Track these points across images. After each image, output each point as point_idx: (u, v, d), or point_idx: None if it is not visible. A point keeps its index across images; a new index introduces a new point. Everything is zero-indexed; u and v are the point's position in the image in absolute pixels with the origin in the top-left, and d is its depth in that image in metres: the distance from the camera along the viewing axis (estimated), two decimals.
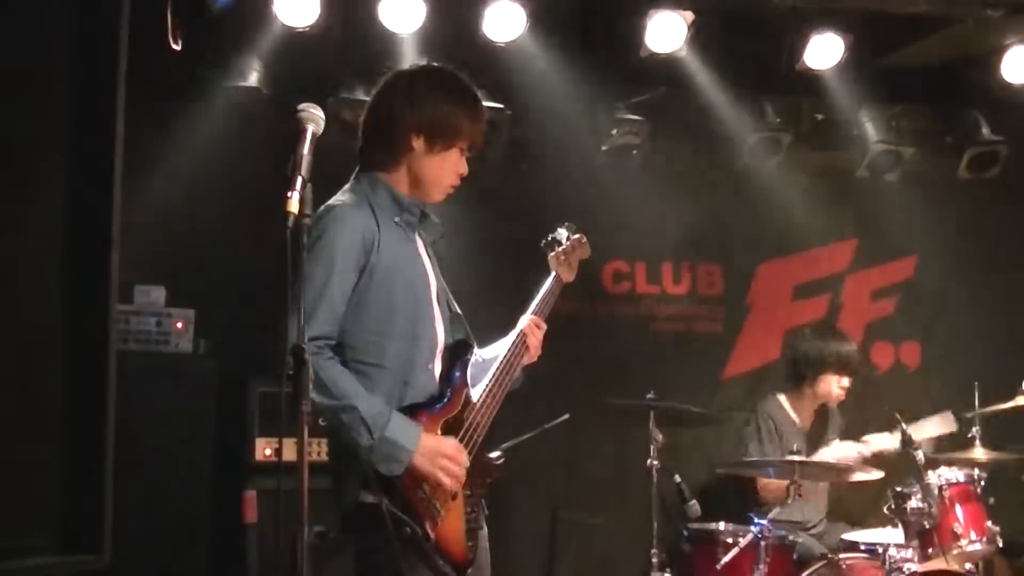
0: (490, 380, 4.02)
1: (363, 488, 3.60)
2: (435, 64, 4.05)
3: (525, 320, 4.28)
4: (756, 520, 5.80)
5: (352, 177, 3.93)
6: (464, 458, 3.74)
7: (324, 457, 3.86)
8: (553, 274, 4.50)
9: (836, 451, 6.54)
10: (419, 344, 3.82)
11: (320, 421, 3.57)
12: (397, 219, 3.83)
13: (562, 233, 4.63)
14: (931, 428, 6.39)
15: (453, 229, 6.96)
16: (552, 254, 4.55)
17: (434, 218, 4.02)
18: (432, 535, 3.62)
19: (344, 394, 3.54)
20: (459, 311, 4.09)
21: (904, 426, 5.78)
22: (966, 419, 6.39)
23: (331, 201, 3.79)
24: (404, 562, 3.59)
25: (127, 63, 2.27)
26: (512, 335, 4.23)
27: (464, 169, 3.98)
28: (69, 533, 2.18)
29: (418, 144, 3.83)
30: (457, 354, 3.96)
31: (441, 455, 3.66)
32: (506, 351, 4.14)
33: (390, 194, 3.85)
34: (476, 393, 3.95)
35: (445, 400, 3.83)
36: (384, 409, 3.60)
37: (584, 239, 4.67)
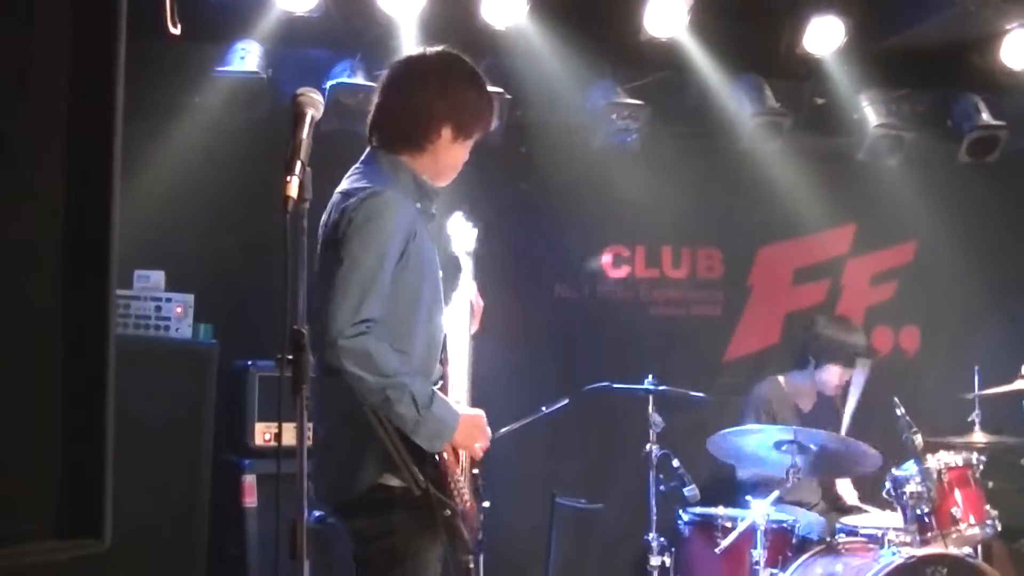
0: (459, 363, 4.11)
1: (385, 471, 3.63)
2: (452, 51, 4.03)
3: (472, 291, 4.31)
4: (754, 504, 5.82)
5: (371, 157, 3.93)
6: (488, 428, 3.92)
7: None
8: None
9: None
10: (436, 329, 3.89)
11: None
12: (418, 205, 3.86)
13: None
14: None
15: (451, 212, 7.01)
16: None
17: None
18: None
19: (395, 371, 3.57)
20: None
21: (902, 411, 5.78)
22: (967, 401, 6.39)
23: (366, 184, 3.78)
24: (422, 542, 3.69)
25: (125, 47, 2.26)
26: (459, 308, 4.25)
27: (467, 156, 4.05)
28: (69, 518, 2.18)
29: (445, 133, 3.87)
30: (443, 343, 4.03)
31: (475, 427, 3.85)
32: (467, 332, 4.22)
33: (414, 180, 3.88)
34: (455, 376, 4.05)
35: (441, 384, 3.88)
36: (428, 387, 3.67)
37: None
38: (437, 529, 3.67)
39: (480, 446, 3.88)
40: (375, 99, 3.99)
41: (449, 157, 3.93)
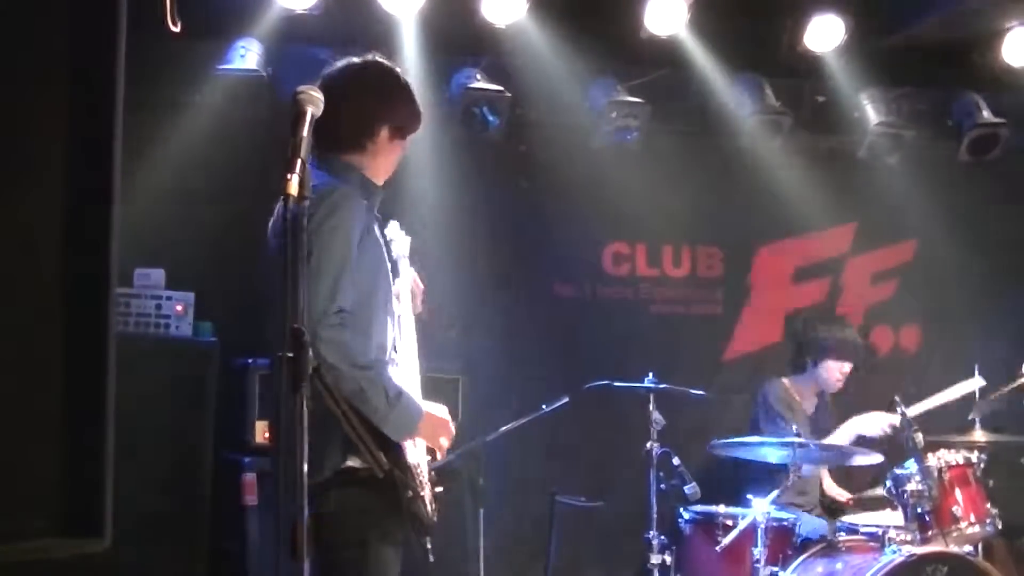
0: (410, 350, 4.26)
1: (349, 454, 3.73)
2: (379, 58, 4.28)
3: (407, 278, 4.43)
4: (755, 503, 5.82)
5: (317, 162, 4.00)
6: (452, 424, 4.06)
7: None
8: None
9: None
10: (391, 325, 4.04)
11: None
12: (365, 202, 4.01)
13: None
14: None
15: (452, 210, 7.02)
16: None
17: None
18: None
19: (370, 363, 3.75)
20: None
21: (903, 410, 5.79)
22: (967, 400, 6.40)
23: (317, 183, 3.86)
24: (389, 524, 3.81)
25: (126, 45, 2.26)
26: (406, 306, 4.39)
27: (402, 155, 4.29)
28: (69, 516, 2.18)
29: (384, 133, 4.11)
30: None
31: (439, 423, 4.00)
32: (412, 329, 4.35)
33: (361, 180, 4.07)
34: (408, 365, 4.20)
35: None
36: (396, 381, 3.82)
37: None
38: (401, 511, 3.78)
39: (445, 442, 4.04)
40: None
41: (387, 156, 4.17)
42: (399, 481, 3.73)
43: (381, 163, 4.16)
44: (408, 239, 4.51)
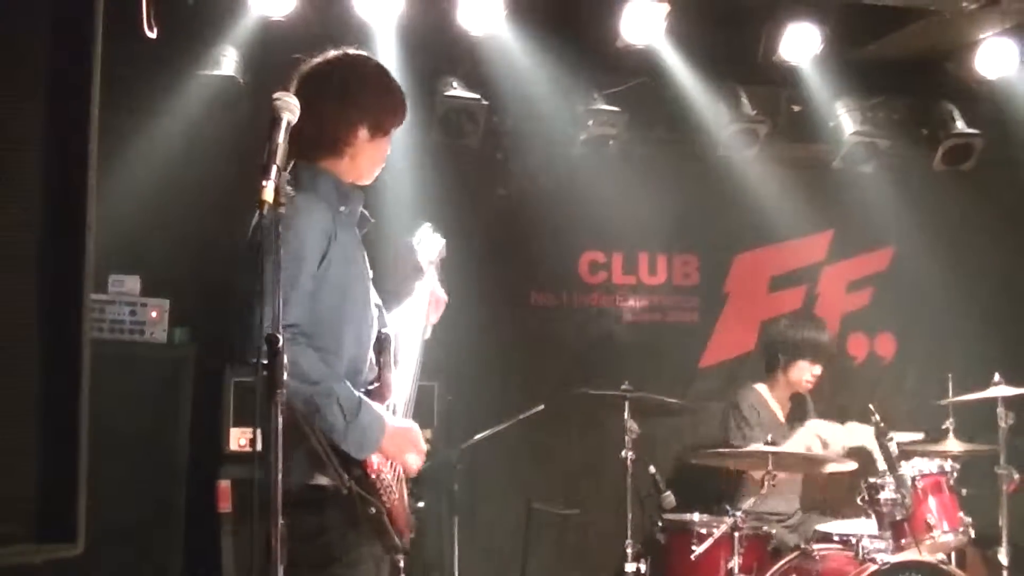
0: (407, 363, 4.15)
1: (315, 471, 3.65)
2: (352, 52, 4.05)
3: (428, 285, 4.34)
4: (730, 511, 5.83)
5: (291, 170, 3.93)
6: (423, 442, 3.89)
7: None
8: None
9: (804, 439, 6.56)
10: (366, 333, 3.90)
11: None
12: (343, 208, 3.89)
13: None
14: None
15: (428, 217, 7.00)
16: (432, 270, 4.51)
17: (366, 212, 4.07)
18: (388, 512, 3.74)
19: (322, 378, 3.59)
20: (380, 302, 4.12)
21: (877, 418, 5.80)
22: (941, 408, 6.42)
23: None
24: (354, 541, 3.68)
25: (102, 51, 2.26)
26: (416, 303, 4.30)
27: (388, 149, 4.08)
28: (43, 522, 2.17)
29: (362, 134, 3.91)
30: (383, 345, 4.02)
31: (406, 440, 3.83)
32: (419, 337, 4.25)
33: (334, 184, 3.90)
34: (399, 378, 4.06)
35: (377, 387, 3.90)
36: (355, 394, 3.68)
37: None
38: (367, 529, 3.69)
39: (414, 460, 3.88)
40: None
41: (368, 156, 3.98)
42: (357, 497, 3.63)
43: (362, 164, 3.98)
44: (442, 241, 4.40)
